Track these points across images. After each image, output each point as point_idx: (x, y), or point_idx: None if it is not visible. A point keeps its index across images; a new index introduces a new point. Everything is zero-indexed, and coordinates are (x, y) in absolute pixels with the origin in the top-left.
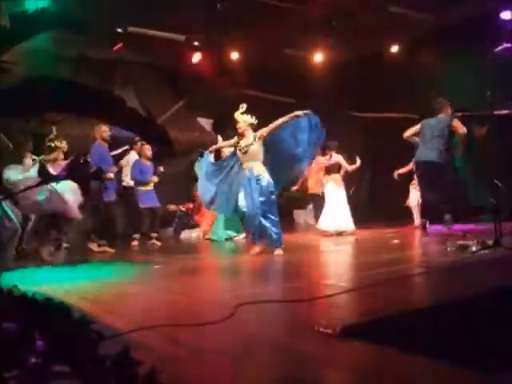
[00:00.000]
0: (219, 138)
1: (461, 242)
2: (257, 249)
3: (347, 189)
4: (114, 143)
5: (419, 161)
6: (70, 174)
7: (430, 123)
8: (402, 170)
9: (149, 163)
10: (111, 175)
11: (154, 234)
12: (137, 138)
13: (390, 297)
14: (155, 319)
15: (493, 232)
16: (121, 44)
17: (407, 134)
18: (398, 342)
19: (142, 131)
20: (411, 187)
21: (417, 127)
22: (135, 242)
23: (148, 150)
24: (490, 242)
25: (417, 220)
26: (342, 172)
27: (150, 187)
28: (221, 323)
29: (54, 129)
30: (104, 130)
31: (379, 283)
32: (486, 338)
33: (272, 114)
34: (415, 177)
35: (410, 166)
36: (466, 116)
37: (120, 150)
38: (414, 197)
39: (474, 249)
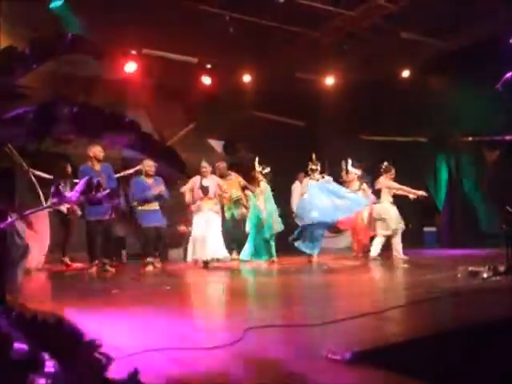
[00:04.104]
0: None
1: (472, 268)
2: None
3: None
4: (125, 163)
5: None
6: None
7: None
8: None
9: (150, 181)
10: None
11: (151, 259)
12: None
13: (400, 322)
14: (164, 341)
15: (505, 258)
16: (135, 65)
17: None
18: (407, 369)
19: (154, 154)
20: None
21: None
22: (150, 267)
23: (148, 166)
24: (502, 269)
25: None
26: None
27: (154, 206)
28: (229, 347)
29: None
30: (99, 150)
31: (388, 309)
32: (495, 366)
33: (282, 136)
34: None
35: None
36: (477, 141)
37: (132, 171)
38: None
39: (485, 275)
